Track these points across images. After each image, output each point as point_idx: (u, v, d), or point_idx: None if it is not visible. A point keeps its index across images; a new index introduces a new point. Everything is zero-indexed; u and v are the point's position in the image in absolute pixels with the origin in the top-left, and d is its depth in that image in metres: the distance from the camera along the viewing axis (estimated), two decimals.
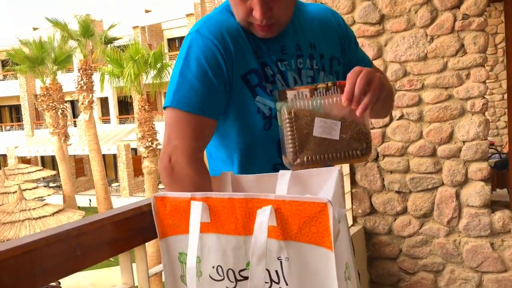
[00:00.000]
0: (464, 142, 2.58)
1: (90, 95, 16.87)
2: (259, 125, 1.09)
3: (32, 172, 15.21)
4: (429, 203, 2.69)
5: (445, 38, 2.56)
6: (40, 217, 9.77)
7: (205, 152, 1.12)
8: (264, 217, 0.85)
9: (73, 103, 23.67)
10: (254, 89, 1.09)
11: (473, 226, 2.59)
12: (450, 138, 2.61)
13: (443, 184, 2.65)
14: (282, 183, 1.04)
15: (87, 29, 16.58)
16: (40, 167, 18.13)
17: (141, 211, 1.11)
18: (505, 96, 3.60)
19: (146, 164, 14.13)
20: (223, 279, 0.92)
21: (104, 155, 19.38)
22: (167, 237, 1.00)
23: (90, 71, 16.93)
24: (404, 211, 2.76)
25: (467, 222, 2.61)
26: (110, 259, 1.10)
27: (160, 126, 16.57)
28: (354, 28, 2.71)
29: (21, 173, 14.63)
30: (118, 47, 16.43)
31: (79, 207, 17.55)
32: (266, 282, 0.88)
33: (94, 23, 17.53)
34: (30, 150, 23.26)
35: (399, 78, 2.67)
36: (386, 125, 2.76)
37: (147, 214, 1.10)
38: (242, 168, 1.14)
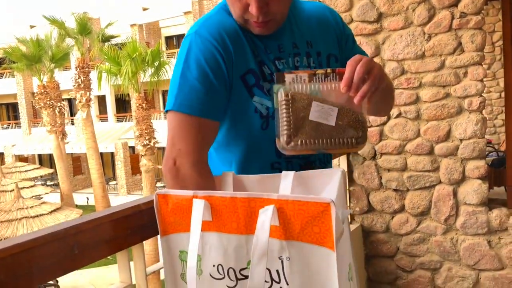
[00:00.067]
0: (461, 140, 2.59)
1: (88, 93, 16.83)
2: (256, 125, 1.09)
3: (30, 170, 15.18)
4: (426, 201, 2.70)
5: (443, 36, 2.56)
6: (37, 216, 9.75)
7: None
8: (266, 217, 0.85)
9: (70, 101, 23.61)
10: (252, 89, 1.09)
11: (470, 224, 2.60)
12: (447, 136, 2.61)
13: (440, 182, 2.66)
14: (285, 184, 1.04)
15: (84, 27, 16.53)
16: (37, 166, 18.09)
17: (139, 209, 1.11)
18: (503, 94, 3.61)
19: (144, 162, 14.11)
20: (223, 278, 0.92)
21: (101, 153, 19.35)
22: (168, 235, 1.00)
23: (87, 69, 16.88)
24: (402, 209, 2.77)
25: (464, 220, 2.61)
26: (108, 257, 1.10)
27: (158, 124, 16.57)
28: (352, 26, 2.71)
29: (18, 172, 14.59)
30: (116, 45, 16.38)
31: (76, 206, 17.53)
32: (266, 282, 0.88)
33: (91, 21, 17.51)
34: (28, 148, 23.21)
35: (397, 76, 2.68)
36: (384, 123, 2.76)
37: (145, 213, 1.10)
38: (241, 167, 1.14)
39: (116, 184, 21.88)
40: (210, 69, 1.04)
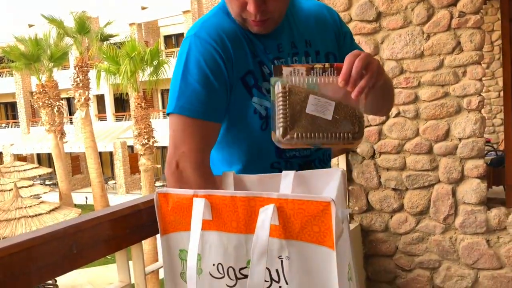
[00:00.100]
0: (460, 139, 2.59)
1: (86, 92, 16.81)
2: (256, 125, 1.09)
3: (28, 169, 15.16)
4: (425, 200, 2.70)
5: (442, 36, 2.56)
6: (36, 215, 9.74)
7: None
8: (266, 216, 0.85)
9: (69, 100, 23.59)
10: (251, 90, 1.09)
11: (469, 223, 2.60)
12: (446, 135, 2.62)
13: (439, 181, 2.66)
14: (286, 184, 1.04)
15: (83, 26, 16.50)
16: (36, 165, 18.07)
17: (138, 209, 1.11)
18: (501, 93, 3.61)
19: (143, 162, 14.10)
20: (223, 277, 0.92)
21: (100, 153, 19.33)
22: (169, 234, 1.00)
23: (86, 68, 16.87)
24: (401, 208, 2.77)
25: (463, 219, 2.62)
26: (107, 256, 1.10)
27: (157, 124, 16.56)
28: (350, 26, 2.71)
29: (17, 171, 14.57)
30: (115, 44, 16.37)
31: (75, 205, 17.52)
32: (266, 281, 0.88)
33: (90, 20, 17.47)
34: (26, 147, 23.18)
35: (396, 75, 2.68)
36: (383, 123, 2.76)
37: (144, 212, 1.10)
38: (241, 168, 1.14)
39: (115, 183, 21.87)
40: (210, 71, 1.04)
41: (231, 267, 0.92)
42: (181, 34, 22.50)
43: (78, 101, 16.79)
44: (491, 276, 2.61)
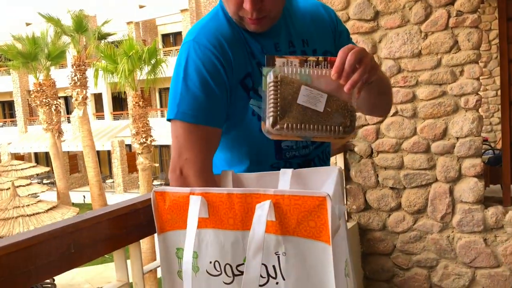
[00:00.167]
0: (457, 138, 2.60)
1: (84, 91, 16.77)
2: (255, 127, 1.10)
3: (26, 168, 15.14)
4: (423, 199, 2.70)
5: (439, 35, 2.56)
6: (33, 214, 9.72)
7: None
8: (263, 211, 0.86)
9: (66, 99, 23.55)
10: (249, 92, 1.09)
11: (467, 222, 2.61)
12: (444, 134, 2.62)
13: (436, 180, 2.67)
14: (284, 181, 1.05)
15: (80, 25, 16.46)
16: (33, 164, 18.04)
17: (135, 208, 1.11)
18: (499, 92, 3.62)
19: (141, 161, 14.09)
20: (220, 274, 0.93)
21: (98, 152, 19.30)
22: (166, 232, 1.01)
23: (83, 67, 16.83)
24: (398, 207, 2.78)
25: (460, 218, 2.62)
26: (105, 255, 1.10)
27: (155, 122, 16.54)
28: (348, 25, 2.71)
29: (14, 170, 14.55)
30: (112, 42, 16.33)
31: (73, 204, 17.50)
32: (263, 277, 0.88)
33: (87, 18, 17.41)
34: (24, 146, 23.13)
35: (393, 74, 2.68)
36: (380, 122, 2.76)
37: (141, 211, 1.10)
38: (240, 169, 1.15)
39: (113, 182, 21.84)
40: (210, 77, 1.05)
41: (228, 264, 0.92)
42: (179, 33, 22.46)
43: (76, 99, 16.75)
44: (488, 275, 2.62)
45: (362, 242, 2.89)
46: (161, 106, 23.04)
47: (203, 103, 1.05)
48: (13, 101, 24.63)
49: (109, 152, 22.33)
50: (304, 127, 0.94)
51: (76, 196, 20.35)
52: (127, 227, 1.10)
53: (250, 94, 1.09)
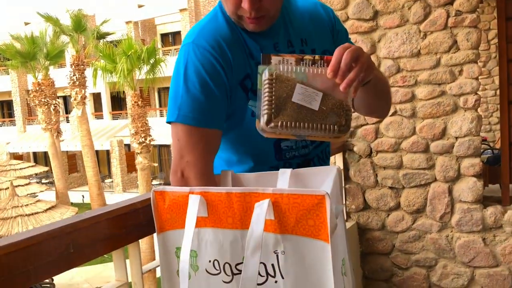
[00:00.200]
0: (456, 138, 2.60)
1: (83, 90, 16.76)
2: (254, 128, 1.10)
3: (24, 168, 15.11)
4: (422, 199, 2.71)
5: (438, 35, 2.57)
6: (32, 214, 9.71)
7: None
8: (261, 210, 0.86)
9: (65, 98, 23.52)
10: (248, 93, 1.09)
11: (465, 222, 2.61)
12: (443, 134, 2.62)
13: (435, 180, 2.67)
14: (283, 181, 1.05)
15: (79, 24, 16.45)
16: (32, 163, 18.01)
17: (134, 208, 1.11)
18: (498, 92, 3.62)
19: (140, 160, 14.08)
20: (219, 273, 0.93)
21: (97, 151, 19.30)
22: (165, 231, 1.01)
23: (82, 66, 16.82)
24: (397, 206, 2.78)
25: (459, 217, 2.63)
26: (104, 255, 1.10)
27: (154, 122, 16.53)
28: (347, 24, 2.71)
29: (13, 169, 14.52)
30: (111, 42, 16.32)
31: (72, 204, 17.48)
32: (262, 276, 0.88)
33: (86, 18, 17.40)
34: (22, 146, 23.11)
35: (392, 74, 2.68)
36: (380, 121, 2.76)
37: (141, 211, 1.10)
38: (240, 170, 1.15)
39: (112, 182, 21.83)
40: (210, 79, 1.05)
41: (227, 263, 0.92)
42: (178, 32, 22.45)
43: (75, 99, 16.74)
44: (487, 274, 2.62)
45: (361, 241, 2.89)
46: (160, 106, 23.04)
47: (204, 105, 1.05)
48: (11, 100, 24.61)
49: (108, 152, 22.32)
50: (298, 126, 0.93)
51: (75, 196, 20.34)
52: (126, 227, 1.10)
53: (249, 95, 1.09)
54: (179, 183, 1.04)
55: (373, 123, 2.77)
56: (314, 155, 1.20)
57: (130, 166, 20.85)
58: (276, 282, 0.88)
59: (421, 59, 2.61)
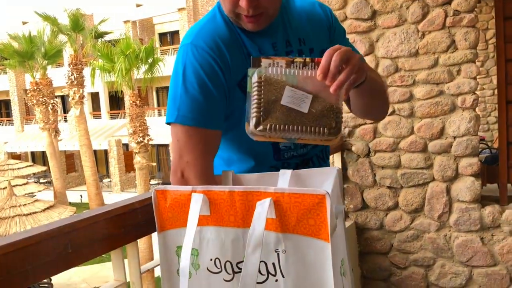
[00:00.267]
0: (454, 137, 2.60)
1: (81, 90, 16.74)
2: None
3: (22, 168, 15.08)
4: (420, 198, 2.71)
5: (436, 34, 2.57)
6: (30, 213, 9.69)
7: None
8: (263, 209, 0.86)
9: (63, 98, 23.49)
10: (246, 94, 1.10)
11: (463, 221, 2.62)
12: (441, 133, 2.63)
13: (434, 179, 2.67)
14: (283, 181, 1.05)
15: (77, 24, 16.42)
16: (30, 163, 17.97)
17: (133, 207, 1.11)
18: (496, 91, 3.63)
19: (138, 160, 14.07)
20: (220, 271, 0.93)
21: (95, 151, 19.27)
22: (166, 231, 1.01)
23: (80, 65, 16.79)
24: (396, 206, 2.78)
25: (457, 217, 2.63)
26: (102, 255, 1.10)
27: (152, 122, 16.51)
28: (346, 24, 2.71)
29: (11, 169, 14.49)
30: (109, 41, 16.30)
31: (70, 203, 17.46)
32: (262, 274, 0.89)
33: (84, 17, 17.38)
34: (20, 145, 23.07)
35: (391, 74, 2.68)
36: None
37: (139, 211, 1.10)
38: (239, 170, 1.15)
39: (110, 181, 21.82)
40: (209, 79, 1.05)
41: (228, 261, 0.92)
42: (176, 32, 22.43)
43: (73, 99, 16.72)
44: (485, 273, 2.63)
45: (359, 241, 2.90)
46: (158, 105, 23.02)
47: (203, 106, 1.05)
48: (9, 100, 24.56)
49: (106, 152, 22.30)
50: (287, 128, 0.93)
51: (73, 196, 20.32)
52: (125, 226, 1.10)
53: (247, 96, 1.09)
54: (179, 183, 1.05)
55: (371, 123, 2.78)
56: (312, 155, 1.20)
57: (128, 165, 20.84)
58: (276, 281, 0.88)
59: (419, 58, 2.61)
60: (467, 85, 2.55)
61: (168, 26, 23.18)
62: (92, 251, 1.02)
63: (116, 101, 23.19)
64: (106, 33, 17.07)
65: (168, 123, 1.09)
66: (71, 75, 16.61)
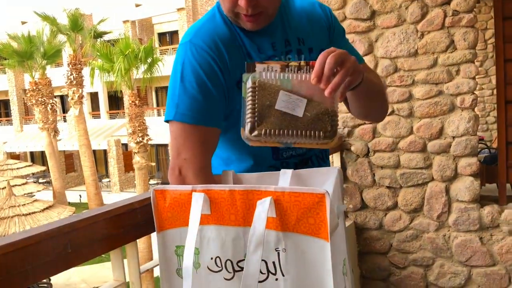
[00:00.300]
0: (453, 137, 2.60)
1: (80, 90, 16.73)
2: None
3: (21, 167, 15.06)
4: (419, 198, 2.71)
5: (435, 34, 2.57)
6: (29, 213, 9.68)
7: None
8: (263, 208, 0.87)
9: (62, 98, 23.47)
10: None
11: (463, 221, 2.62)
12: (440, 133, 2.63)
13: (433, 179, 2.67)
14: (284, 181, 1.05)
15: (76, 23, 16.41)
16: (29, 163, 17.96)
17: (132, 208, 1.11)
18: (495, 91, 3.63)
19: (137, 160, 14.06)
20: (221, 270, 0.93)
21: (94, 151, 19.26)
22: (165, 230, 1.01)
23: (79, 65, 16.78)
24: (395, 206, 2.78)
25: (456, 216, 2.63)
26: (102, 255, 1.10)
27: (151, 122, 16.51)
28: (345, 24, 2.71)
29: (10, 169, 14.48)
30: (108, 41, 16.29)
31: (69, 203, 17.44)
32: (263, 273, 0.89)
33: (83, 17, 17.37)
34: (19, 145, 23.05)
35: (390, 74, 2.69)
36: None
37: (138, 211, 1.10)
38: (238, 170, 1.15)
39: (109, 181, 21.80)
40: (207, 78, 1.06)
41: (229, 260, 0.93)
42: (175, 32, 22.42)
43: (72, 98, 16.70)
44: (484, 273, 2.63)
45: (358, 241, 2.90)
46: (158, 105, 23.01)
47: (201, 104, 1.05)
48: (8, 100, 24.54)
49: (105, 151, 22.28)
50: (282, 133, 0.93)
51: (72, 195, 20.30)
52: (124, 226, 1.10)
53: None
54: (177, 180, 1.05)
55: (370, 123, 2.78)
56: (311, 154, 1.20)
57: (127, 165, 20.82)
58: (276, 279, 0.89)
59: (418, 58, 2.62)
60: (466, 85, 2.55)
61: (167, 26, 23.17)
62: (92, 251, 1.02)
63: (115, 101, 23.17)
64: (105, 33, 17.06)
65: (166, 121, 1.09)
66: (70, 75, 16.59)
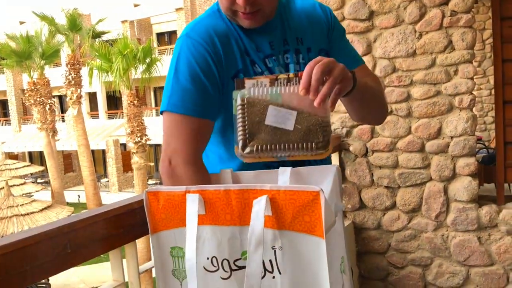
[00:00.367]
0: (452, 137, 2.61)
1: (78, 90, 16.71)
2: None
3: (20, 168, 15.05)
4: (417, 198, 2.72)
5: (434, 35, 2.58)
6: (28, 214, 9.67)
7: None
8: (260, 207, 0.87)
9: (61, 98, 23.44)
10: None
11: (461, 221, 2.63)
12: (438, 133, 2.64)
13: (431, 179, 2.68)
14: (283, 179, 1.06)
15: (74, 23, 16.40)
16: (27, 163, 17.95)
17: (131, 208, 1.11)
18: (493, 91, 3.64)
19: (136, 160, 14.06)
20: (217, 270, 0.94)
21: (93, 151, 19.24)
22: (159, 232, 1.01)
23: (78, 65, 16.76)
24: (393, 206, 2.79)
25: (454, 216, 2.64)
26: (101, 255, 1.11)
27: (150, 122, 16.50)
28: (343, 24, 2.72)
29: (8, 169, 14.46)
30: (107, 41, 16.28)
31: (67, 203, 17.43)
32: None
33: (82, 17, 17.35)
34: (18, 145, 23.02)
35: (388, 74, 2.69)
36: None
37: (138, 211, 1.10)
38: (236, 169, 1.15)
39: (108, 181, 21.78)
40: (201, 70, 1.06)
41: (225, 259, 0.93)
42: (174, 32, 22.42)
43: (70, 98, 16.69)
44: (482, 273, 2.64)
45: (357, 240, 2.90)
46: (156, 105, 22.99)
47: (193, 95, 1.06)
48: (6, 100, 24.50)
49: (103, 151, 22.26)
50: (274, 148, 0.93)
51: (71, 196, 20.28)
52: (123, 227, 1.10)
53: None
54: (167, 171, 1.04)
55: None
56: None
57: (126, 165, 20.81)
58: (273, 277, 0.89)
59: (417, 59, 2.62)
60: (464, 85, 2.56)
61: (165, 26, 23.16)
62: (91, 251, 1.03)
63: (113, 101, 23.15)
64: (104, 33, 17.05)
65: (161, 113, 1.10)
66: (69, 75, 16.58)
